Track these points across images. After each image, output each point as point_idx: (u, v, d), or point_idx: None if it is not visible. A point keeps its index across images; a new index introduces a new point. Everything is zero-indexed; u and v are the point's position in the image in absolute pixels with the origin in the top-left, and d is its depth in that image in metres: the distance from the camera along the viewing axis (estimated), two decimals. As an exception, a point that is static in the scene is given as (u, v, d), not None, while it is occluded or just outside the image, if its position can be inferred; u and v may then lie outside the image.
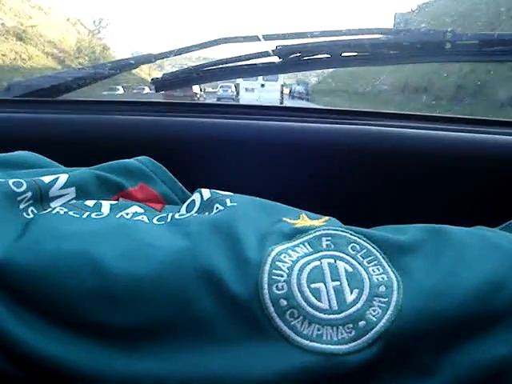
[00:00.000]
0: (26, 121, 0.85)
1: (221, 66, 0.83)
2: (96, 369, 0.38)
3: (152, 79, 0.85)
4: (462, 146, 0.71)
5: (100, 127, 0.82)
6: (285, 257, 0.42)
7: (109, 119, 0.83)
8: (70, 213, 0.48)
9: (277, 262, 0.41)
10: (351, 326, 0.38)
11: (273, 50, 0.79)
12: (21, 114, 0.86)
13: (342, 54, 0.78)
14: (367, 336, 0.38)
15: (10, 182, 0.48)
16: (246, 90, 14.21)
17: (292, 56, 0.79)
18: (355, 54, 0.79)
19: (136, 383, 0.38)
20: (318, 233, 0.45)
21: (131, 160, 0.60)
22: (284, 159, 0.73)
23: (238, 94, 14.27)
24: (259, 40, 0.81)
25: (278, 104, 13.73)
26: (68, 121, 0.84)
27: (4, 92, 0.98)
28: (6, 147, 0.63)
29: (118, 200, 0.55)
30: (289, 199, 0.56)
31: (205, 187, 0.55)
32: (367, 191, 0.72)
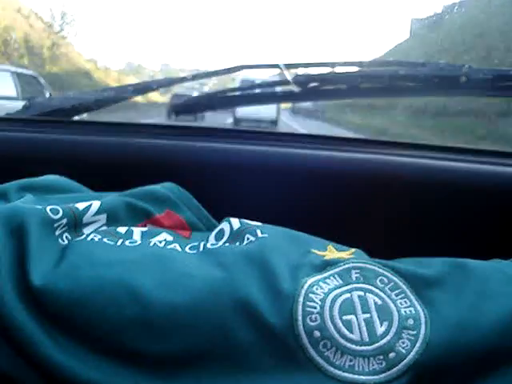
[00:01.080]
0: (44, 141, 0.85)
1: (241, 92, 0.85)
2: None
3: (173, 104, 0.86)
4: (476, 178, 0.73)
5: (118, 150, 0.83)
6: (317, 289, 0.43)
7: (127, 142, 0.84)
8: (105, 240, 0.49)
9: (310, 294, 0.42)
10: (382, 357, 0.40)
11: (292, 79, 0.81)
12: (38, 134, 0.87)
13: (361, 86, 0.80)
14: (397, 367, 0.39)
15: (48, 208, 0.50)
16: None
17: (311, 85, 0.81)
18: (373, 85, 0.81)
19: None
20: (347, 265, 0.46)
21: (157, 186, 0.61)
22: (302, 187, 0.74)
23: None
24: (279, 68, 0.83)
25: (274, 119, 13.75)
26: (86, 142, 0.85)
27: (23, 110, 1.00)
28: (24, 167, 0.64)
29: (145, 226, 0.57)
30: (306, 227, 0.57)
31: (225, 213, 0.57)
32: (382, 222, 0.73)
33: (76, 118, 1.03)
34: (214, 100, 0.85)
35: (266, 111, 13.78)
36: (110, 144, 0.84)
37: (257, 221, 0.55)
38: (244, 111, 13.79)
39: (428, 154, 0.80)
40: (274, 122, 14.23)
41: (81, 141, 0.85)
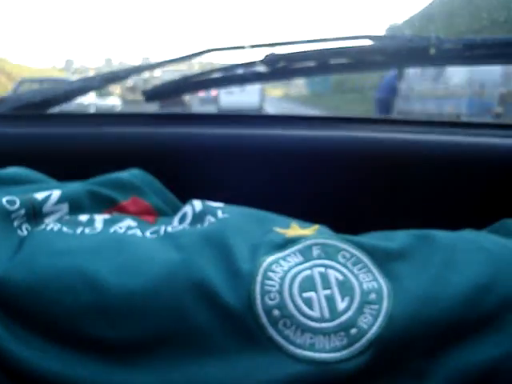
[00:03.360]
0: (17, 136, 0.84)
1: (210, 76, 0.84)
2: (94, 383, 0.39)
3: (143, 90, 0.85)
4: (448, 150, 0.72)
5: (92, 140, 0.82)
6: (276, 267, 0.43)
7: (100, 132, 0.83)
8: (64, 228, 0.49)
9: (269, 273, 0.42)
10: (343, 333, 0.39)
11: (261, 59, 0.80)
12: (11, 129, 0.86)
13: (330, 62, 0.79)
14: (359, 343, 0.39)
15: (4, 200, 0.49)
16: (226, 93, 14.25)
17: (280, 64, 0.80)
18: (342, 61, 0.80)
19: None
20: (308, 242, 0.46)
21: (123, 173, 0.60)
22: (273, 168, 0.74)
23: (218, 96, 14.33)
24: (246, 49, 0.82)
25: (257, 106, 13.69)
26: (59, 135, 0.84)
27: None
28: None
29: (111, 214, 0.56)
30: (280, 207, 0.56)
31: (198, 198, 0.56)
32: (356, 197, 0.72)
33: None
34: (182, 84, 0.84)
35: (249, 100, 13.84)
36: (83, 135, 0.83)
37: (240, 203, 0.54)
38: (226, 101, 13.85)
39: (401, 128, 0.79)
40: (259, 110, 14.31)
41: (54, 133, 0.84)
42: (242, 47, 0.84)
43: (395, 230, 0.51)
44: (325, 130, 0.77)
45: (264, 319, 0.40)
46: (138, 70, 0.87)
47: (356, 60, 0.79)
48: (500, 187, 0.69)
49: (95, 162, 0.76)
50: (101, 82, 0.87)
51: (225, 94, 14.31)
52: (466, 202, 0.69)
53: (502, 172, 0.69)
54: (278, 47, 0.84)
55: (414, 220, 0.58)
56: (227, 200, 0.57)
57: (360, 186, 0.73)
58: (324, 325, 0.39)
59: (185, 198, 0.59)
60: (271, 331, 0.39)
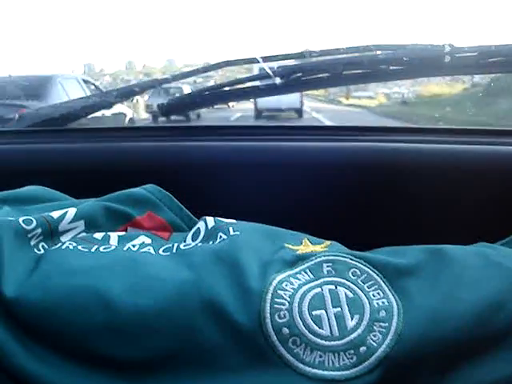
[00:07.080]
0: (37, 151, 0.86)
1: (223, 89, 0.84)
2: None
3: (158, 105, 0.86)
4: (462, 158, 0.72)
5: (110, 155, 0.83)
6: (286, 285, 0.43)
7: (116, 146, 0.84)
8: (79, 247, 0.49)
9: (278, 291, 0.42)
10: (352, 351, 0.39)
11: (273, 71, 0.80)
12: (32, 145, 0.87)
13: (343, 72, 0.79)
14: (368, 361, 0.39)
15: (20, 220, 0.50)
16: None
17: (293, 76, 0.80)
18: (356, 71, 0.80)
19: None
20: (318, 259, 0.46)
21: (138, 189, 0.61)
22: (286, 181, 0.74)
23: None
24: (258, 62, 0.82)
25: (298, 106, 13.22)
26: (77, 150, 0.85)
27: (15, 123, 1.00)
28: (18, 178, 0.64)
29: (126, 230, 0.56)
30: (292, 221, 0.56)
31: (210, 213, 0.56)
32: (369, 209, 0.72)
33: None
34: (198, 98, 0.84)
35: (288, 100, 13.47)
36: (99, 149, 0.84)
37: (246, 218, 0.55)
38: (264, 101, 13.46)
39: (412, 137, 0.79)
40: (299, 111, 13.84)
41: (74, 148, 0.86)
42: (255, 60, 0.84)
43: (407, 244, 0.50)
44: (337, 140, 0.77)
45: (274, 337, 0.40)
46: (153, 84, 0.88)
47: (369, 70, 0.78)
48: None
49: (112, 176, 0.77)
50: (116, 97, 0.88)
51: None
52: (482, 213, 0.68)
53: None
54: (290, 59, 0.84)
55: (429, 231, 0.57)
56: (242, 213, 0.57)
57: (374, 199, 0.72)
58: (333, 343, 0.39)
59: (200, 213, 0.59)
60: (281, 349, 0.39)
